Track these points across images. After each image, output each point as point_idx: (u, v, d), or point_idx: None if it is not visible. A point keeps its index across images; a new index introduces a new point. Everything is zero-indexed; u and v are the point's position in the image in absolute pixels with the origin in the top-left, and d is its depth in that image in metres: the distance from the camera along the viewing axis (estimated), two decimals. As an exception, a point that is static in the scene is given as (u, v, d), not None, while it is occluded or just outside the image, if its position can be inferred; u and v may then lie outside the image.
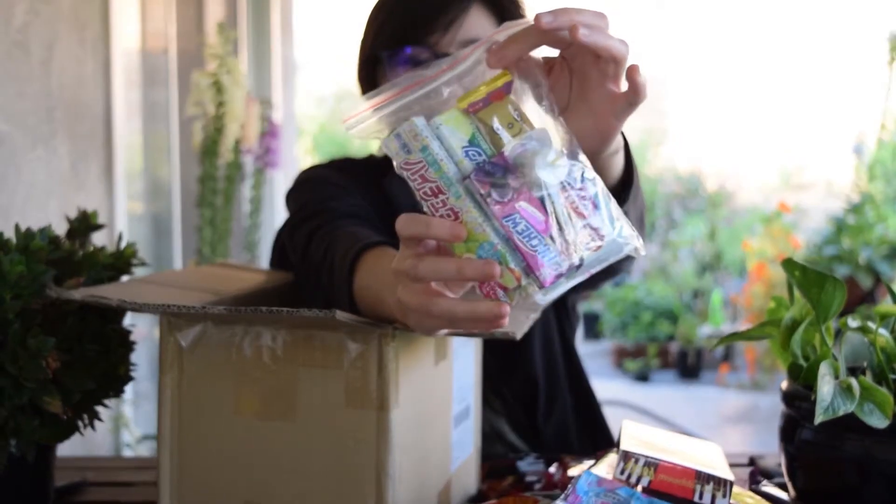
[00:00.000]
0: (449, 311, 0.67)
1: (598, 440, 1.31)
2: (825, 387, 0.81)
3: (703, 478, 0.75)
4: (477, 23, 1.11)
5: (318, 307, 0.80)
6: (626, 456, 0.77)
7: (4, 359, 0.84)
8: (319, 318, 0.70)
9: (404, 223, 0.67)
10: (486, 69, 0.68)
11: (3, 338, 0.84)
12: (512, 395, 1.26)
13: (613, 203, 0.67)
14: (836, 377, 0.83)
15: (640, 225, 1.03)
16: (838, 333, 0.91)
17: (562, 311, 1.33)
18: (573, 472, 0.94)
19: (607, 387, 5.24)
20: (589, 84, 0.74)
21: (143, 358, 1.04)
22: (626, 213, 0.93)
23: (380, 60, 1.14)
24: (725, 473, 0.77)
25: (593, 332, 6.81)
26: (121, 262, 1.00)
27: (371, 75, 1.17)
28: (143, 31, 2.78)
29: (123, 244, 1.03)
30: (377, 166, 1.28)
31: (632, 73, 0.74)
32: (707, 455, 0.84)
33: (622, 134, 0.87)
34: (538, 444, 1.27)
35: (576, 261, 0.62)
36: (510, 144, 0.64)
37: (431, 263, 0.66)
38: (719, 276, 6.79)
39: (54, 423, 0.90)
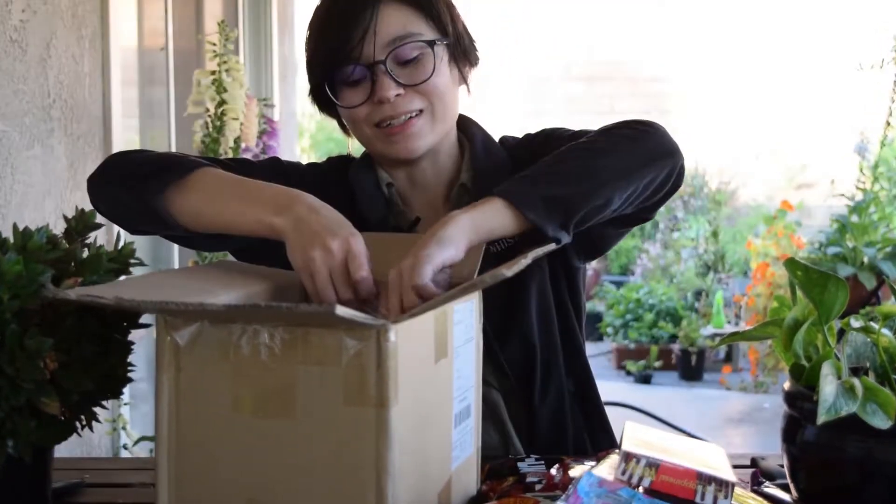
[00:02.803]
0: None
1: (601, 439, 1.29)
2: (828, 387, 0.80)
3: (705, 479, 0.75)
4: (393, 19, 1.15)
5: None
6: (628, 457, 0.76)
7: (2, 359, 0.83)
8: (318, 313, 0.70)
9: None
10: None
11: (0, 338, 0.84)
12: (509, 364, 1.24)
13: None
14: (839, 377, 0.83)
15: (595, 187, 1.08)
16: (841, 334, 0.91)
17: (564, 271, 1.29)
18: (574, 472, 0.93)
19: (609, 388, 5.22)
20: None
21: (141, 359, 1.04)
22: (561, 227, 1.04)
23: (323, 86, 1.19)
24: (727, 475, 0.77)
25: (594, 333, 6.80)
26: (119, 261, 0.99)
27: (325, 99, 1.22)
28: (141, 29, 2.78)
29: (122, 244, 1.02)
30: (347, 162, 1.32)
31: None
32: (709, 456, 0.83)
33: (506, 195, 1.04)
34: (532, 427, 1.23)
35: None
36: None
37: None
38: (722, 277, 6.78)
39: (52, 425, 0.89)
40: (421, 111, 1.17)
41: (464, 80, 1.25)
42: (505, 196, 1.04)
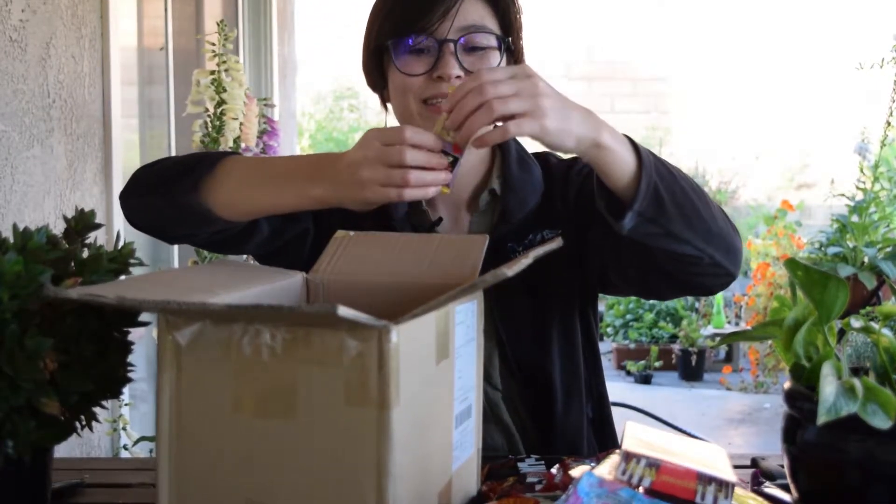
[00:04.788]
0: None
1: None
2: (828, 387, 0.80)
3: (705, 479, 0.75)
4: (473, 10, 1.19)
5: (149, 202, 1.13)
6: (628, 456, 0.76)
7: (1, 360, 0.83)
8: (320, 313, 0.70)
9: (414, 133, 1.00)
10: None
11: (0, 338, 0.84)
12: (529, 403, 1.25)
13: None
14: (839, 378, 0.83)
15: (695, 229, 1.08)
16: (841, 334, 0.91)
17: (589, 299, 1.32)
18: (574, 472, 0.93)
19: (609, 388, 5.19)
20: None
21: (140, 359, 1.05)
22: (646, 217, 0.99)
23: (385, 50, 1.19)
24: (728, 475, 0.77)
25: (595, 332, 6.79)
26: (119, 261, 0.99)
27: (378, 65, 1.23)
28: (141, 28, 2.78)
29: (122, 244, 1.02)
30: None
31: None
32: (710, 457, 0.83)
33: (639, 156, 1.04)
34: (549, 451, 1.25)
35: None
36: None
37: (418, 155, 1.00)
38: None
39: (51, 425, 0.89)
40: None
41: None
42: (639, 151, 1.05)
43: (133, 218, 1.19)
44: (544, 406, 1.25)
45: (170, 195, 1.11)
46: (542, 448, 1.24)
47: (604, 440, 1.31)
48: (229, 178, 1.09)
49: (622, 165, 1.03)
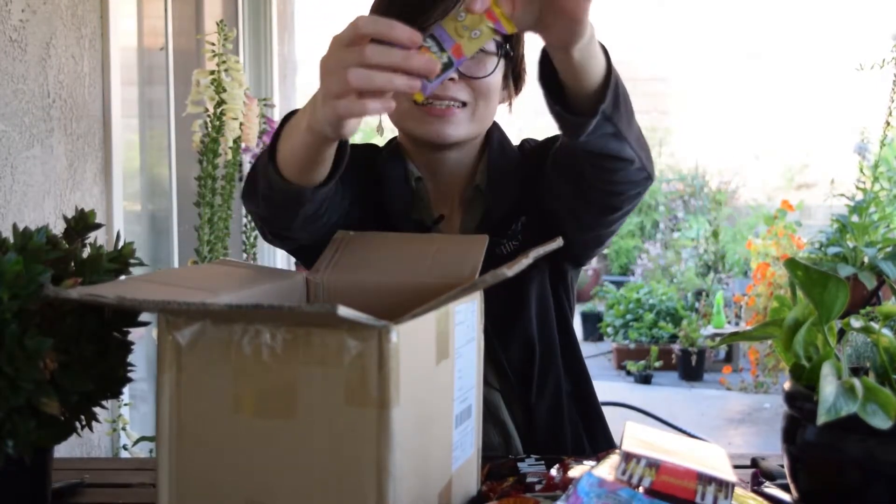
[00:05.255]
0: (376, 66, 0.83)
1: (599, 439, 1.30)
2: (828, 387, 0.80)
3: (705, 479, 0.75)
4: None
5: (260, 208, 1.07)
6: (628, 457, 0.76)
7: (2, 359, 0.83)
8: (320, 313, 0.70)
9: (367, 20, 0.84)
10: None
11: (0, 338, 0.84)
12: (508, 362, 1.25)
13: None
14: (839, 378, 0.83)
15: (636, 140, 1.08)
16: (841, 334, 0.91)
17: (557, 275, 1.31)
18: (574, 473, 0.93)
19: (609, 388, 5.23)
20: None
21: (140, 359, 1.05)
22: (606, 115, 0.98)
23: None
24: (728, 475, 0.77)
25: (595, 333, 6.80)
26: (119, 261, 0.99)
27: None
28: (141, 28, 2.78)
29: (122, 244, 1.02)
30: (375, 151, 1.34)
31: None
32: (710, 457, 0.83)
33: (604, 50, 0.99)
34: (530, 426, 1.25)
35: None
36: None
37: (380, 50, 0.83)
38: (722, 277, 6.78)
39: (52, 425, 0.89)
40: (464, 104, 1.20)
41: (508, 98, 1.30)
42: (609, 60, 1.01)
43: (249, 209, 1.16)
44: (524, 366, 1.25)
45: (257, 167, 1.07)
46: (525, 416, 1.24)
47: (590, 423, 1.30)
48: (283, 137, 1.04)
49: (599, 58, 1.00)
